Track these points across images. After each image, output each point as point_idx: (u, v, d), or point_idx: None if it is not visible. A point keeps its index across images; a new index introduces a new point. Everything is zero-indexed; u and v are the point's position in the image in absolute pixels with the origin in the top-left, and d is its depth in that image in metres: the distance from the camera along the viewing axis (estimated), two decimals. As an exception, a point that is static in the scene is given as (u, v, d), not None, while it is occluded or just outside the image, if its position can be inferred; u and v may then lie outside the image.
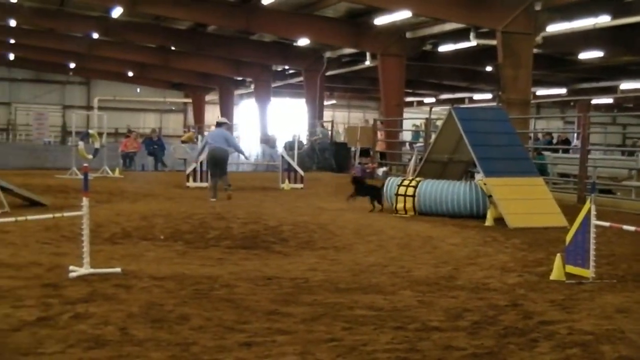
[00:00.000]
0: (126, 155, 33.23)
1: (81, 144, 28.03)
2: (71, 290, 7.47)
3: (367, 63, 35.16)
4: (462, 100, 52.99)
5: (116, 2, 30.66)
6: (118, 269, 8.47)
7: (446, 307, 7.11)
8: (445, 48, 32.23)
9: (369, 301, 7.30)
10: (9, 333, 5.88)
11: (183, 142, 40.25)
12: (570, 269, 8.88)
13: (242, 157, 26.40)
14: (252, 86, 47.89)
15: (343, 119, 57.64)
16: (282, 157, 24.06)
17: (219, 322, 6.34)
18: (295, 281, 8.25)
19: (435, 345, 5.82)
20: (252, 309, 6.87)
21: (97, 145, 28.74)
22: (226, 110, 51.22)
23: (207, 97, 57.49)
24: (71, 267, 8.32)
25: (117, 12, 32.36)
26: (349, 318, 6.60)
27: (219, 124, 20.40)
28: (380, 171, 28.71)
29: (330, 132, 38.79)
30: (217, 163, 19.13)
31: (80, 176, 20.40)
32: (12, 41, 45.12)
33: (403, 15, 26.53)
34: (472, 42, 27.28)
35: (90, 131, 31.36)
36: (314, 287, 7.94)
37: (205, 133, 22.27)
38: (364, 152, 31.94)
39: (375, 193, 16.71)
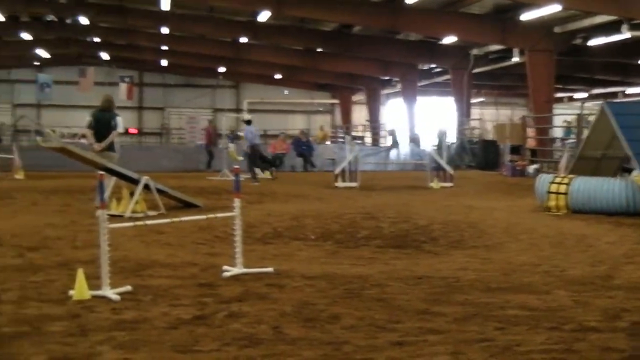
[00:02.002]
0: (275, 156, 33.78)
1: (231, 146, 28.68)
2: (225, 289, 7.63)
3: (515, 59, 34.60)
4: (614, 94, 51.37)
5: (263, 6, 31.19)
6: (270, 269, 8.60)
7: (603, 307, 6.90)
8: (596, 41, 31.36)
9: (522, 301, 7.16)
10: (166, 331, 6.06)
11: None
12: None
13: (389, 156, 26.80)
14: (399, 85, 47.82)
15: (491, 116, 56.82)
16: (431, 155, 23.91)
17: (370, 322, 6.34)
18: (446, 280, 8.17)
19: (592, 347, 5.66)
20: (403, 308, 6.85)
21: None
22: (373, 110, 51.34)
23: (354, 98, 57.72)
24: (225, 267, 8.50)
25: (264, 15, 32.91)
26: (502, 318, 6.49)
27: (250, 122, 25.80)
28: (531, 169, 28.21)
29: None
30: (259, 155, 25.50)
31: (232, 178, 20.81)
32: (165, 48, 46.63)
33: (552, 9, 25.95)
34: (625, 35, 26.47)
35: (240, 133, 32.06)
36: (465, 287, 7.85)
37: (249, 128, 24.78)
38: (514, 150, 31.47)
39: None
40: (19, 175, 25.76)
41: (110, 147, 15.28)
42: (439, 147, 29.47)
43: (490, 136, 38.42)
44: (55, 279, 8.04)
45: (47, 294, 7.37)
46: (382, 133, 49.47)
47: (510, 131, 31.91)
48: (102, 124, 15.24)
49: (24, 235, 11.39)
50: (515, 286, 7.91)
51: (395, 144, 39.64)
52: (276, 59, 46.17)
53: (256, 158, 25.38)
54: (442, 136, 38.68)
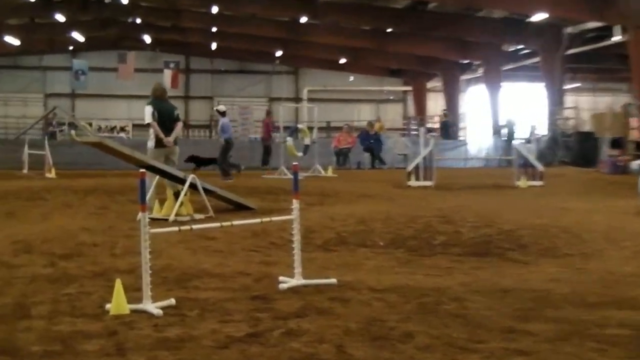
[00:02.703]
0: (340, 151, 33.84)
1: (290, 140, 28.76)
2: (282, 303, 7.64)
3: (616, 38, 34.13)
4: None
5: (326, -20, 31.30)
6: (333, 280, 8.59)
7: None
8: None
9: (624, 318, 7.06)
10: (215, 351, 6.07)
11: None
12: None
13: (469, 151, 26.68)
14: (480, 70, 47.55)
15: (588, 104, 56.24)
16: (518, 151, 23.74)
17: (448, 341, 6.31)
18: (535, 294, 8.10)
19: None
20: (485, 326, 6.81)
21: (307, 141, 29.43)
22: (451, 98, 51.06)
23: (429, 84, 57.51)
24: (281, 278, 8.52)
25: (326, -9, 32.99)
26: (601, 338, 6.40)
27: (225, 113, 26.60)
28: (635, 164, 27.87)
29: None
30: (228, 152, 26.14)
31: (290, 176, 20.90)
32: (214, 30, 46.91)
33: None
34: None
35: (300, 126, 32.15)
36: (557, 301, 7.77)
37: (225, 120, 25.47)
38: (615, 143, 31.11)
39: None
40: (51, 174, 26.15)
41: (175, 141, 15.49)
42: (509, 138, 29.31)
43: (586, 127, 38.05)
44: (90, 291, 8.14)
45: (81, 308, 7.46)
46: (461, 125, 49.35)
47: (611, 121, 31.55)
48: (164, 116, 15.36)
49: (56, 241, 11.56)
50: (617, 301, 7.81)
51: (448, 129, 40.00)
52: (340, 41, 46.21)
53: (227, 154, 26.17)
54: (511, 126, 38.65)
